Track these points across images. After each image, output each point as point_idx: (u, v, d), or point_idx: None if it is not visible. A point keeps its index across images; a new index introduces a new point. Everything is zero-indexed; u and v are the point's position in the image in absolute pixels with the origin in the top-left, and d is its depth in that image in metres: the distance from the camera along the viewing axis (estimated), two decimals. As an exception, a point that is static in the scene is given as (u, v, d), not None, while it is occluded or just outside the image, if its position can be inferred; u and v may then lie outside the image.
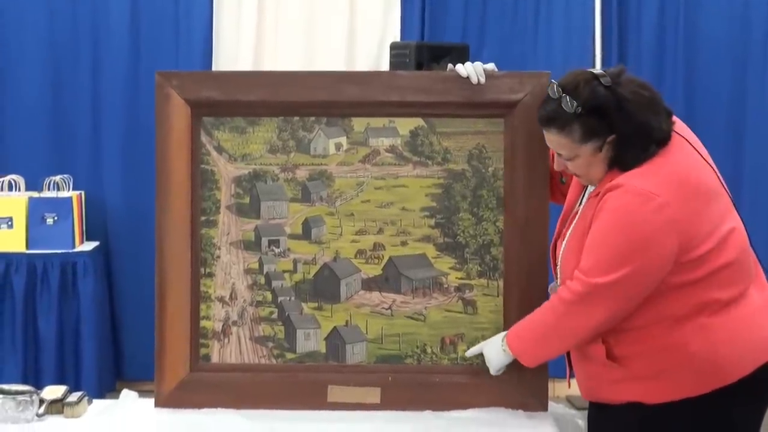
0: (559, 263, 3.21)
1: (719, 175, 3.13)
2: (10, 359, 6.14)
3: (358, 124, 3.46)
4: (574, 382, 3.30)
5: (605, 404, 3.13)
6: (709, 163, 3.10)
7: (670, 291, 2.99)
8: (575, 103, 3.01)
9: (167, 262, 3.43)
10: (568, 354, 3.25)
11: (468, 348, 3.43)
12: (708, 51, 6.67)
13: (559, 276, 3.21)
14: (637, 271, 2.96)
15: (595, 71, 3.06)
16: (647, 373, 3.02)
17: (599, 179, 3.10)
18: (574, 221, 3.17)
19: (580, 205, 3.19)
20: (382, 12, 6.74)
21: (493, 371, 3.28)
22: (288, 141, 3.47)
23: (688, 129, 3.16)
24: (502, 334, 3.26)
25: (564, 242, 3.18)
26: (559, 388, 4.14)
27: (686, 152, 3.07)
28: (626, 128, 3.01)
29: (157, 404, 3.45)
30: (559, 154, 3.13)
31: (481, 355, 3.33)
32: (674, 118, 3.10)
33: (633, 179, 2.99)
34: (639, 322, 3.02)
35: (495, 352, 3.25)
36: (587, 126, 3.02)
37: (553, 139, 3.10)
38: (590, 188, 3.18)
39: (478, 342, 3.42)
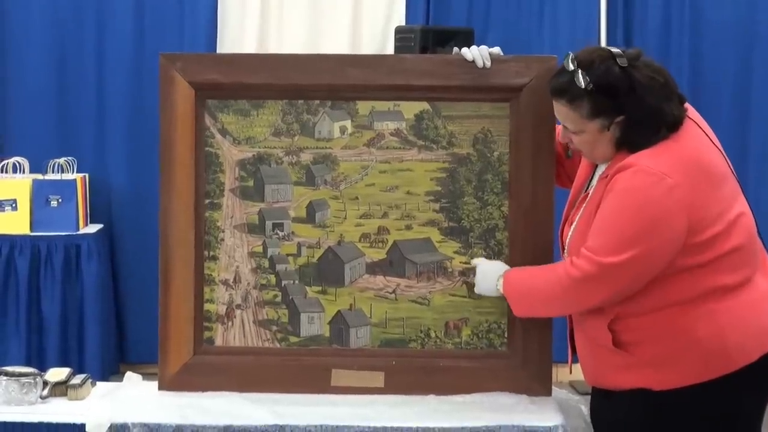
0: (567, 247, 3.20)
1: (728, 160, 3.12)
2: (13, 341, 6.15)
3: (363, 107, 3.45)
4: (576, 367, 3.30)
5: (609, 390, 3.13)
6: (718, 148, 3.09)
7: (678, 274, 2.98)
8: (588, 80, 3.00)
9: (171, 245, 3.43)
10: (572, 339, 3.25)
11: (472, 332, 3.42)
12: (714, 34, 6.65)
13: (566, 257, 3.20)
14: (646, 253, 2.95)
15: (613, 50, 3.06)
16: (653, 359, 3.01)
17: (603, 158, 3.10)
18: (583, 205, 3.16)
19: (588, 188, 3.19)
20: (387, -5, 6.73)
21: (476, 290, 3.34)
22: (292, 124, 3.46)
23: (699, 115, 3.15)
24: (502, 271, 3.27)
25: (573, 226, 3.18)
26: (563, 374, 4.14)
27: (697, 136, 3.06)
28: (636, 111, 3.00)
29: (161, 387, 3.45)
30: (565, 127, 3.12)
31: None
32: (687, 105, 3.09)
33: (643, 159, 2.98)
34: (646, 307, 3.01)
35: (488, 281, 3.29)
36: (596, 104, 3.01)
37: (561, 110, 3.10)
38: (599, 171, 3.17)
39: (482, 326, 3.42)
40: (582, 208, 3.16)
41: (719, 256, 2.98)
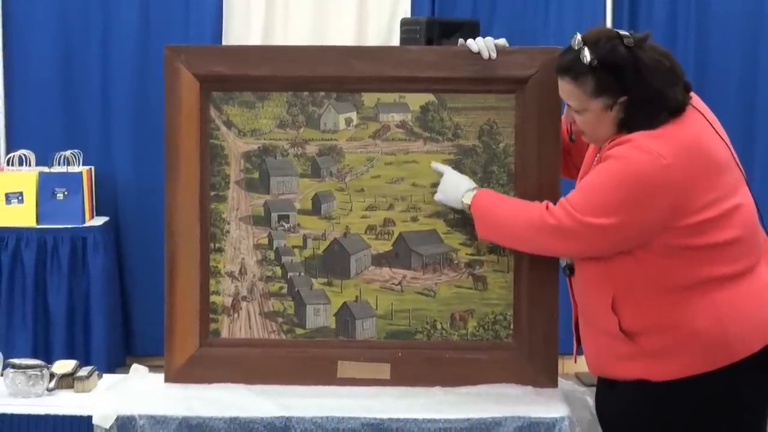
0: None
1: (733, 152, 3.11)
2: (20, 334, 6.16)
3: (369, 99, 3.45)
4: (580, 358, 3.29)
5: (613, 380, 3.12)
6: (722, 138, 3.09)
7: (673, 258, 2.97)
8: (593, 56, 3.00)
9: (177, 237, 3.43)
10: (577, 330, 3.24)
11: (478, 324, 3.42)
12: (720, 28, 6.64)
13: None
14: (625, 223, 2.96)
15: (621, 31, 3.06)
16: (655, 349, 3.01)
17: (605, 140, 3.09)
18: None
19: None
20: (393, -13, 6.72)
21: (436, 197, 3.36)
22: (298, 116, 3.46)
23: (705, 106, 3.14)
24: (472, 186, 3.30)
25: None
26: (569, 365, 4.14)
27: (699, 123, 3.05)
28: (640, 92, 3.00)
29: (167, 379, 3.46)
30: (569, 106, 3.12)
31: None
32: (692, 94, 3.09)
33: (641, 138, 2.98)
34: (646, 291, 3.00)
35: (455, 191, 3.31)
36: (601, 81, 3.01)
37: (565, 88, 3.10)
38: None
39: (488, 318, 3.42)
40: None
41: (715, 244, 2.97)
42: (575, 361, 3.37)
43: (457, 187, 3.31)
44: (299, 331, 3.47)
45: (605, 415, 3.19)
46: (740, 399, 3.03)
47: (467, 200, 3.27)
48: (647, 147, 2.95)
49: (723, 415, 3.03)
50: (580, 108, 3.08)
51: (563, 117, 3.22)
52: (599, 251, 3.03)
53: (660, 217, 2.95)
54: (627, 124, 3.03)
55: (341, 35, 6.64)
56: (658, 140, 2.97)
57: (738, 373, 2.99)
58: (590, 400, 3.33)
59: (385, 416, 3.20)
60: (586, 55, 3.01)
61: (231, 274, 3.47)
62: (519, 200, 3.26)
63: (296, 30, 6.68)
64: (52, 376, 3.42)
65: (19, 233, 6.18)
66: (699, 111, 3.08)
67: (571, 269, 3.19)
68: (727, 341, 2.98)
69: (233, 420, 3.20)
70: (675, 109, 3.02)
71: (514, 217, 3.17)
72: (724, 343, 2.98)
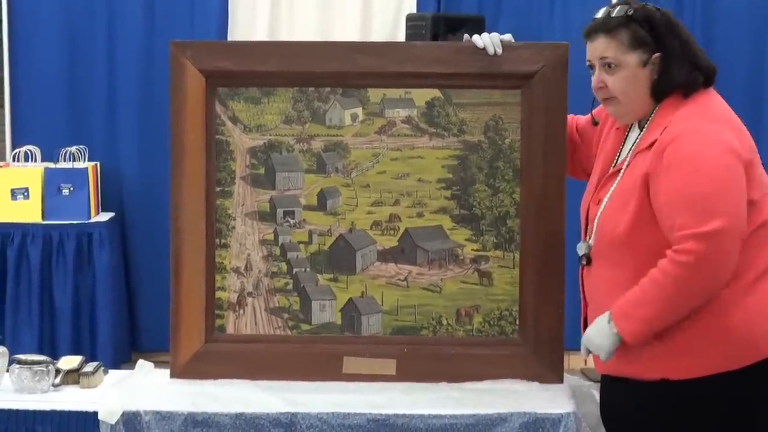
0: (595, 224, 3.08)
1: None
2: (26, 329, 6.16)
3: (374, 95, 3.44)
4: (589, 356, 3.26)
5: (624, 378, 3.04)
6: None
7: None
8: (628, 8, 3.01)
9: (182, 233, 3.43)
10: (585, 326, 3.18)
11: (484, 319, 3.42)
12: (726, 19, 6.62)
13: (593, 236, 3.09)
14: (733, 209, 2.86)
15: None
16: (679, 346, 2.93)
17: (636, 111, 3.04)
18: (615, 180, 3.06)
19: (616, 165, 3.10)
20: (399, -17, 6.71)
21: (604, 357, 2.98)
22: (303, 112, 3.46)
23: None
24: (606, 316, 2.96)
25: (603, 202, 3.06)
26: (574, 361, 4.14)
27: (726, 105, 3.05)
28: (674, 46, 3.00)
29: (173, 375, 3.46)
30: (604, 65, 3.03)
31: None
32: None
33: (687, 122, 2.93)
34: None
35: (601, 332, 2.97)
36: (636, 33, 3.00)
37: (599, 46, 3.04)
38: (628, 147, 3.10)
39: (494, 314, 3.42)
40: (614, 184, 3.06)
41: (754, 229, 2.91)
42: (585, 363, 3.30)
43: (601, 331, 2.97)
44: (305, 326, 3.48)
45: (614, 412, 3.11)
46: (762, 399, 2.97)
47: (615, 327, 2.94)
48: (700, 129, 2.91)
49: (741, 415, 2.96)
50: (616, 61, 3.02)
51: (594, 81, 3.08)
52: (739, 247, 2.86)
53: (745, 186, 2.90)
54: (661, 86, 3.00)
55: (346, 31, 6.63)
56: (706, 121, 2.93)
57: (761, 372, 2.94)
58: (597, 395, 3.31)
59: (390, 412, 3.20)
60: (621, 9, 3.00)
61: (236, 270, 3.47)
62: (642, 280, 2.92)
63: (301, 25, 6.67)
64: (57, 371, 3.43)
65: (24, 229, 6.18)
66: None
67: (588, 260, 3.10)
68: (754, 339, 2.93)
69: (239, 416, 3.20)
70: (707, 74, 3.02)
71: (657, 291, 2.88)
72: (751, 341, 2.93)
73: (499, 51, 3.35)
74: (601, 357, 2.99)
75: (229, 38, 6.57)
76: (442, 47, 3.59)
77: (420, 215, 3.45)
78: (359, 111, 3.45)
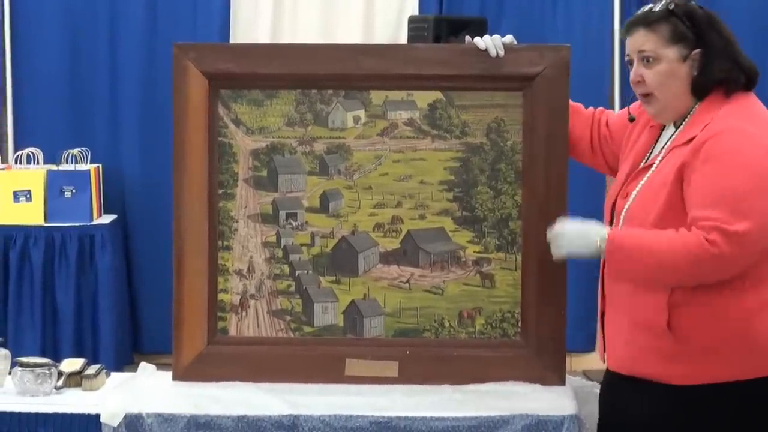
0: (623, 216, 3.02)
1: None
2: (28, 332, 6.16)
3: (377, 97, 3.45)
4: (592, 357, 3.25)
5: (636, 379, 2.99)
6: None
7: None
8: (669, 3, 2.98)
9: (185, 235, 3.43)
10: (603, 324, 3.12)
11: (486, 321, 3.42)
12: (727, 22, 6.60)
13: (620, 228, 3.03)
14: (764, 217, 2.82)
15: None
16: (699, 349, 2.88)
17: (674, 108, 3.00)
18: (646, 174, 3.01)
19: (648, 160, 3.06)
20: (401, -15, 6.72)
21: (561, 251, 3.00)
22: (306, 114, 3.46)
23: None
24: (603, 230, 2.94)
25: (632, 196, 3.01)
26: (576, 362, 4.14)
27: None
28: (715, 43, 2.97)
29: (175, 377, 3.46)
30: (642, 59, 2.99)
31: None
32: None
33: (731, 121, 2.90)
34: (709, 287, 2.87)
35: (587, 238, 2.95)
36: (676, 28, 2.97)
37: (637, 39, 3.01)
38: (662, 142, 3.05)
39: (496, 316, 3.42)
40: (644, 178, 3.01)
41: None
42: (603, 361, 3.22)
43: (588, 236, 2.96)
44: (307, 329, 3.48)
45: (621, 415, 3.05)
46: None
47: (602, 245, 2.92)
48: (743, 129, 2.88)
49: (755, 425, 2.93)
50: (654, 54, 2.98)
51: (631, 75, 3.02)
52: (759, 251, 2.86)
53: None
54: (701, 82, 2.97)
55: (349, 33, 6.63)
56: (745, 120, 2.90)
57: None
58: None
59: (393, 414, 3.20)
60: (663, 4, 2.97)
61: (239, 272, 3.47)
62: (662, 232, 2.89)
63: (304, 27, 6.68)
64: (60, 374, 3.43)
65: (27, 231, 6.19)
66: None
67: None
68: None
69: (241, 418, 3.20)
70: (748, 75, 2.99)
71: (667, 248, 2.85)
72: None
73: (501, 53, 3.35)
74: (558, 252, 2.99)
75: (232, 39, 6.57)
76: (445, 49, 3.59)
77: (422, 217, 3.45)
78: (362, 113, 3.46)
